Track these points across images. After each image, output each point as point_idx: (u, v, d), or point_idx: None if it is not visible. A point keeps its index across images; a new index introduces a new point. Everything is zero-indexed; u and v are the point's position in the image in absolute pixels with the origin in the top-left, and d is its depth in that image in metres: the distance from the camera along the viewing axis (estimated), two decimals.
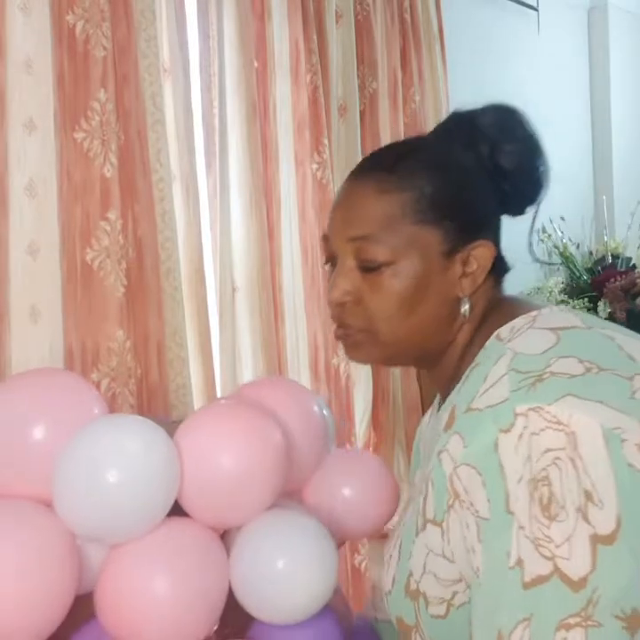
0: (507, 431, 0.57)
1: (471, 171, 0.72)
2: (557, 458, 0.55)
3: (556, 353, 0.61)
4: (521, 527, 0.55)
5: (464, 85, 2.42)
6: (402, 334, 0.71)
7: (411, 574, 0.66)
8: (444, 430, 0.64)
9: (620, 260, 2.78)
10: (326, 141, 1.86)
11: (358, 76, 2.05)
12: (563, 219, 2.80)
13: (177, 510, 0.81)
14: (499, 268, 0.74)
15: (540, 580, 0.54)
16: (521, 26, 2.75)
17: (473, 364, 0.67)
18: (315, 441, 0.92)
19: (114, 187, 1.40)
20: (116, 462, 0.76)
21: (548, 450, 0.55)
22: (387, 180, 0.70)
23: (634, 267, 2.76)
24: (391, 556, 0.71)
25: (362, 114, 2.06)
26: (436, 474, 0.63)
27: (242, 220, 1.74)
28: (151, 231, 1.47)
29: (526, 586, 0.54)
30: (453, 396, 0.68)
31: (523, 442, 0.56)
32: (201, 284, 1.61)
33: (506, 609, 0.55)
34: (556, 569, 0.53)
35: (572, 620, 0.52)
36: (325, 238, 0.75)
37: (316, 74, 1.86)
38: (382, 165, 0.71)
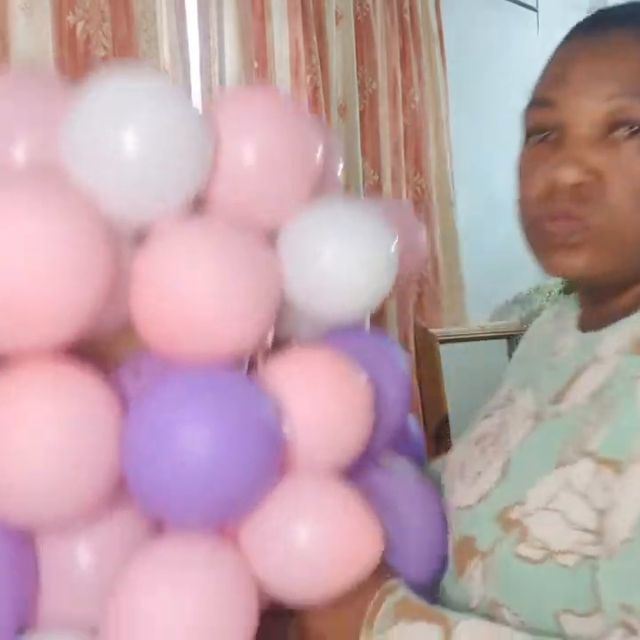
0: None
1: None
2: None
3: None
4: None
5: (464, 85, 2.43)
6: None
7: (520, 503, 0.57)
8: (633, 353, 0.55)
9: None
10: None
11: (358, 76, 2.05)
12: None
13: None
14: None
15: None
16: (521, 26, 2.75)
17: None
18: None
19: None
20: (136, 120, 0.57)
21: None
22: None
23: None
24: (481, 471, 0.63)
25: (362, 114, 2.06)
26: (627, 404, 0.52)
27: None
28: None
29: None
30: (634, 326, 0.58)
31: None
32: None
33: None
34: None
35: None
36: (545, 103, 0.60)
37: (316, 74, 1.86)
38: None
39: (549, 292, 2.65)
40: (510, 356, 2.32)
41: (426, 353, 2.17)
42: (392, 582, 0.58)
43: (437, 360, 2.15)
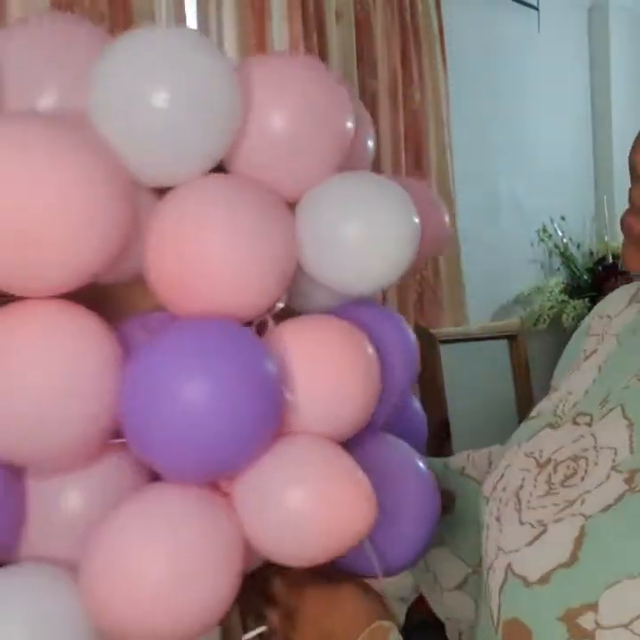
0: None
1: None
2: None
3: None
4: None
5: (464, 85, 2.42)
6: None
7: (591, 606, 0.43)
8: None
9: (620, 261, 2.78)
10: None
11: (358, 75, 2.04)
12: (563, 218, 2.79)
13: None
14: None
15: None
16: (521, 25, 2.75)
17: None
18: None
19: None
20: (165, 74, 0.55)
21: None
22: None
23: None
24: (546, 527, 0.49)
25: None
26: None
27: None
28: None
29: None
30: None
31: None
32: None
33: None
34: None
35: None
36: None
37: None
38: None
39: (550, 292, 2.64)
40: (511, 355, 2.33)
41: (426, 353, 2.16)
42: (388, 623, 0.56)
43: (438, 360, 2.14)
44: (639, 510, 0.45)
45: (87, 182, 0.52)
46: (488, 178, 2.63)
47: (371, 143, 0.73)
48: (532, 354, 2.32)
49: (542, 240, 2.78)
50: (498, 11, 2.66)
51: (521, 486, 0.55)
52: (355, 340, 0.61)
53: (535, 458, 0.57)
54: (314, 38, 1.86)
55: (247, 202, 0.59)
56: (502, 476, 0.59)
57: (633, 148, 0.53)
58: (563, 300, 2.63)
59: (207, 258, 0.56)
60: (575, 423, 0.56)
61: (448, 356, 2.16)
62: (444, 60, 2.31)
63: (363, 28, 2.06)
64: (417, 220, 0.64)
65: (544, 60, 2.87)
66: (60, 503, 0.57)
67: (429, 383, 2.12)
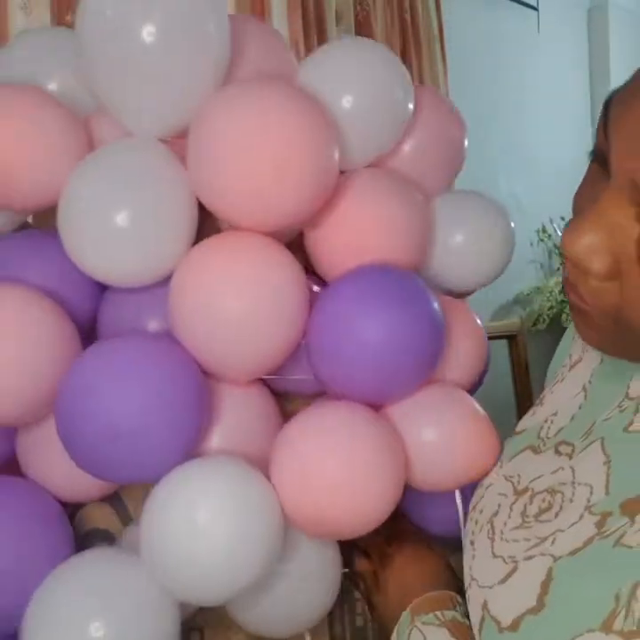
0: None
1: None
2: None
3: None
4: None
5: (464, 85, 2.42)
6: None
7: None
8: None
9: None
10: None
11: None
12: (563, 219, 2.80)
13: None
14: None
15: None
16: (521, 25, 2.75)
17: None
18: None
19: None
20: None
21: None
22: None
23: None
24: (517, 564, 0.49)
25: None
26: None
27: None
28: None
29: None
30: None
31: None
32: None
33: None
34: None
35: None
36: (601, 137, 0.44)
37: None
38: None
39: (550, 293, 2.65)
40: (511, 355, 2.32)
41: None
42: (454, 594, 0.61)
43: None
44: (604, 558, 0.43)
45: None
46: (487, 178, 2.63)
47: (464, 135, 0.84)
48: (532, 354, 2.32)
49: (542, 240, 2.78)
50: (498, 11, 2.66)
51: (496, 513, 0.55)
52: (470, 314, 0.78)
53: (513, 483, 0.57)
54: (314, 38, 1.86)
55: (402, 190, 0.70)
56: (482, 496, 0.60)
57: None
58: (562, 300, 2.63)
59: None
60: (557, 452, 0.55)
61: None
62: (443, 59, 2.31)
63: (363, 28, 2.06)
64: (512, 225, 0.78)
65: (544, 59, 2.87)
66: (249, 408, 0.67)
67: None
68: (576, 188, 0.54)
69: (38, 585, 0.58)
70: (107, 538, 0.70)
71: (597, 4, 3.08)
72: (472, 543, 0.56)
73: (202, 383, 0.62)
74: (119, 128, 0.65)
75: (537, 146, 2.83)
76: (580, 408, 0.58)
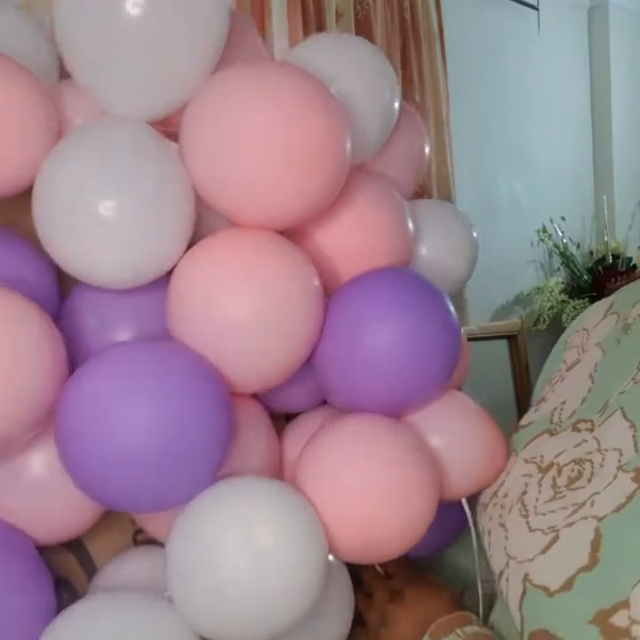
0: None
1: None
2: None
3: None
4: None
5: (464, 85, 2.42)
6: None
7: (623, 604, 0.43)
8: None
9: (620, 260, 2.78)
10: None
11: None
12: (563, 218, 2.79)
13: None
14: None
15: None
16: (521, 26, 2.75)
17: None
18: None
19: None
20: None
21: None
22: None
23: (634, 267, 2.76)
24: (559, 532, 0.49)
25: None
26: None
27: None
28: None
29: None
30: None
31: None
32: None
33: None
34: None
35: None
36: None
37: None
38: None
39: (550, 292, 2.64)
40: (511, 355, 2.32)
41: None
42: (469, 614, 0.60)
43: None
44: None
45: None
46: (488, 178, 2.63)
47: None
48: (532, 354, 2.32)
49: (542, 240, 2.78)
50: (498, 11, 2.66)
51: (525, 492, 0.56)
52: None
53: (536, 463, 0.58)
54: None
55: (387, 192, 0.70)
56: (502, 483, 0.60)
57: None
58: (563, 300, 2.63)
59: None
60: (576, 429, 0.57)
61: None
62: (443, 60, 2.31)
63: (363, 28, 2.05)
64: (475, 234, 0.79)
65: (544, 60, 2.87)
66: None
67: None
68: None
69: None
70: (67, 588, 0.62)
71: (597, 3, 3.08)
72: (502, 526, 0.56)
73: (226, 393, 0.56)
74: (93, 105, 0.56)
75: (537, 146, 2.83)
76: (589, 391, 0.60)
